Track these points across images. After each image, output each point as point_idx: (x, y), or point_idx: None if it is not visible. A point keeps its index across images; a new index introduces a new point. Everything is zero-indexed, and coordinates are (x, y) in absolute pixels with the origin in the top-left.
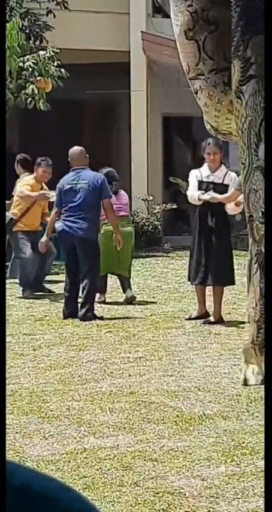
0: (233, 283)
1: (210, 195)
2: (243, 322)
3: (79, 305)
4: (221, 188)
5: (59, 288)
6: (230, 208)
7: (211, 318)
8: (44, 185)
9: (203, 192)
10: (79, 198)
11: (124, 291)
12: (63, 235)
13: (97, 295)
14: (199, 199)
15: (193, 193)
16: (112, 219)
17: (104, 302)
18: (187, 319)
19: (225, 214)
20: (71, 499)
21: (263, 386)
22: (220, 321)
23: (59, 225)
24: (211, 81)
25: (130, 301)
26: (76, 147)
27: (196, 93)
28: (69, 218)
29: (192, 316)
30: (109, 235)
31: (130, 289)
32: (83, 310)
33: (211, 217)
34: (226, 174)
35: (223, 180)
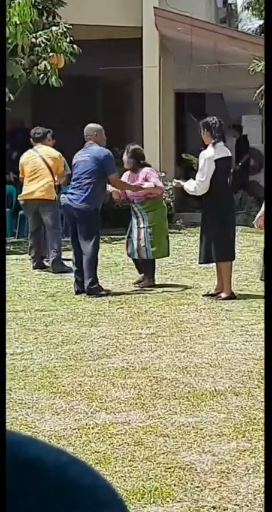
0: (233, 259)
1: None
2: (256, 298)
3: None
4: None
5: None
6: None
7: (223, 294)
8: None
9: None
10: (80, 170)
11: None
12: (65, 208)
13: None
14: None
15: None
16: (124, 188)
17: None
18: (204, 296)
19: (230, 193)
20: (83, 471)
21: None
22: (232, 296)
23: (63, 199)
24: None
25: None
26: (89, 125)
27: None
28: (70, 191)
29: (210, 293)
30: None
31: None
32: (87, 283)
33: (215, 196)
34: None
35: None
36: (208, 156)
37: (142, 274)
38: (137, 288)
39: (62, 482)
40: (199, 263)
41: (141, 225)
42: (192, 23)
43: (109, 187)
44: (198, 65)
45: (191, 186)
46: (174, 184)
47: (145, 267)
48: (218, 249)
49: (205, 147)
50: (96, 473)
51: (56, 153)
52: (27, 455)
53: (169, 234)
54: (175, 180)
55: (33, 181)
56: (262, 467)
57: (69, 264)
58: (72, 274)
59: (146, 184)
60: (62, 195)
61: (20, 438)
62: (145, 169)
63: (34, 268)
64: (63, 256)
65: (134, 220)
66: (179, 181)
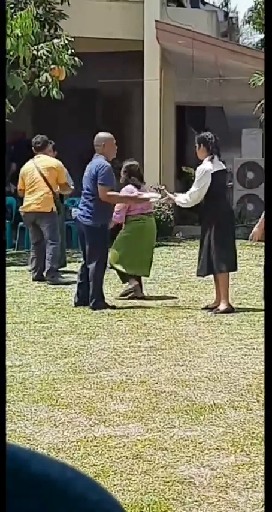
0: (235, 269)
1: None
2: (255, 311)
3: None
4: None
5: (69, 277)
6: None
7: (221, 307)
8: None
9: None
10: (84, 185)
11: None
12: (76, 223)
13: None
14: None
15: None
16: (113, 201)
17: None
18: (203, 309)
19: (228, 205)
20: (88, 486)
21: None
22: (230, 309)
23: (75, 212)
24: None
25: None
26: (99, 134)
27: None
28: (80, 206)
29: (209, 306)
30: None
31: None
32: (93, 301)
33: (213, 208)
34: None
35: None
36: (205, 168)
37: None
38: (135, 300)
39: (67, 497)
40: (198, 275)
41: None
42: (193, 37)
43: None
44: (198, 78)
45: (182, 199)
46: (164, 198)
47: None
48: (219, 261)
49: (201, 162)
50: (101, 487)
51: (54, 163)
52: (32, 471)
53: (169, 247)
54: (167, 193)
55: (31, 194)
56: (261, 481)
57: (70, 275)
58: (70, 286)
59: (145, 195)
60: (74, 209)
61: (23, 452)
62: (124, 188)
63: (34, 279)
64: (67, 268)
65: None
66: (170, 195)
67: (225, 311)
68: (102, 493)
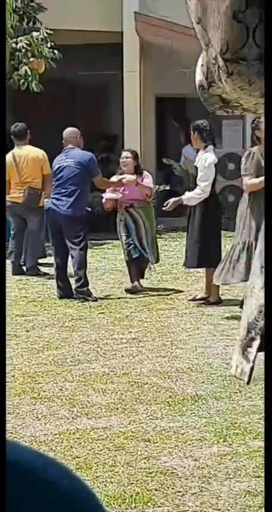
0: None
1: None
2: (236, 304)
3: (73, 283)
4: (197, 171)
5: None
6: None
7: (211, 299)
8: None
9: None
10: (65, 176)
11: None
12: (49, 213)
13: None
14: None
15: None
16: (110, 185)
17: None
18: (190, 300)
19: (216, 197)
20: (59, 473)
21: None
22: (219, 301)
23: (46, 204)
24: (255, 68)
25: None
26: (69, 128)
27: (232, 74)
28: (55, 196)
29: (197, 297)
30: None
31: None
32: (77, 285)
33: (208, 199)
34: (201, 156)
35: (198, 162)
36: (213, 160)
37: (135, 282)
38: (117, 292)
39: (38, 483)
40: (187, 267)
41: (142, 230)
42: (172, 28)
43: (104, 198)
44: (178, 69)
45: (195, 195)
46: (169, 206)
47: (139, 270)
48: (209, 255)
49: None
50: (73, 473)
51: (40, 153)
52: (47, 479)
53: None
54: (173, 200)
55: (20, 185)
56: (243, 471)
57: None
58: (52, 279)
59: (127, 177)
60: (46, 200)
61: (41, 459)
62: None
63: (13, 274)
64: (47, 260)
65: (132, 226)
66: (175, 199)
67: (215, 303)
68: (74, 479)
